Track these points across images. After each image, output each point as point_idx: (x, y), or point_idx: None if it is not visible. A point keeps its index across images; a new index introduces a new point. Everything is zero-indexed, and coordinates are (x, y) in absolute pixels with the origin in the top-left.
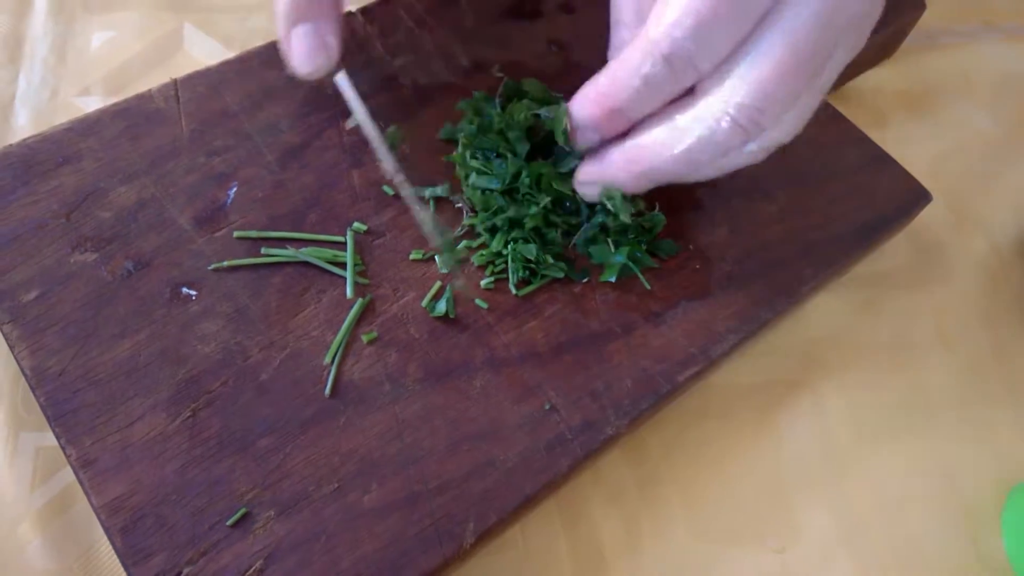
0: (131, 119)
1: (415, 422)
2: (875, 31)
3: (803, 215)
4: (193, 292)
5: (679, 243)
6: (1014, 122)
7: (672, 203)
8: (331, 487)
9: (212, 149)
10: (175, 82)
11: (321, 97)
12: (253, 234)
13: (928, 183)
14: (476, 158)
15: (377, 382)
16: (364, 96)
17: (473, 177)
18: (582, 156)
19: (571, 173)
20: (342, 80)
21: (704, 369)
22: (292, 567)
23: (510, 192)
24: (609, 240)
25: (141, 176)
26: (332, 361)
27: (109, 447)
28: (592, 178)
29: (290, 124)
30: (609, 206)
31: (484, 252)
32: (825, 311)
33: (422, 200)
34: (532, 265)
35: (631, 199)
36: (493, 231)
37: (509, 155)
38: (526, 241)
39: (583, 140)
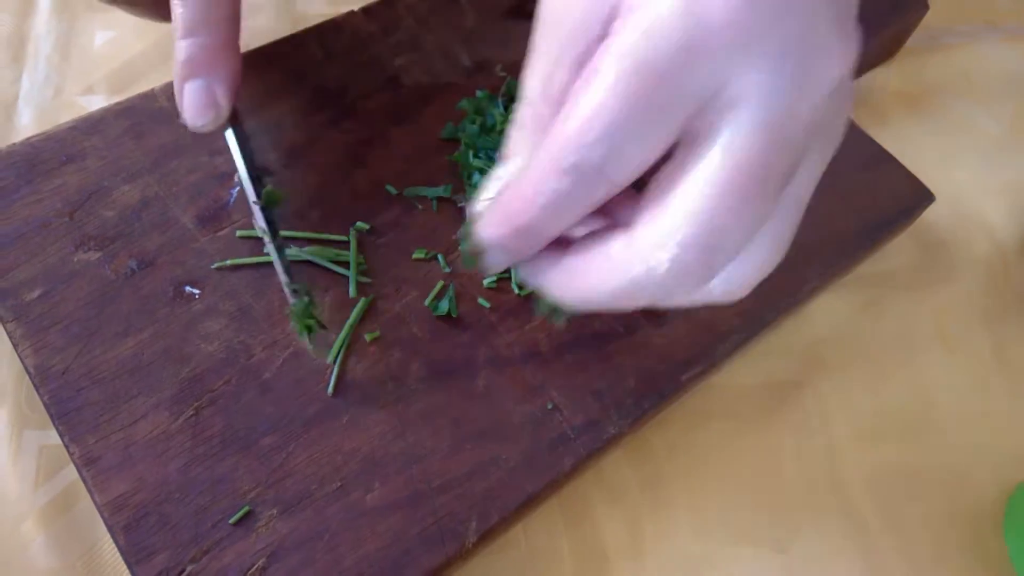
0: (134, 118)
1: (418, 421)
2: (878, 31)
3: (806, 215)
4: (196, 291)
5: None
6: (1016, 122)
7: None
8: (334, 486)
9: (215, 148)
10: None
11: (324, 97)
12: (256, 233)
13: (930, 183)
14: (479, 157)
15: (380, 381)
16: (247, 145)
17: (476, 177)
18: None
19: None
20: (229, 136)
21: (706, 369)
22: (295, 565)
23: None
24: None
25: (144, 175)
26: (335, 360)
27: (112, 445)
28: (526, 282)
29: (293, 123)
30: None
31: None
32: (827, 311)
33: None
34: None
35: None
36: None
37: None
38: None
39: (495, 262)
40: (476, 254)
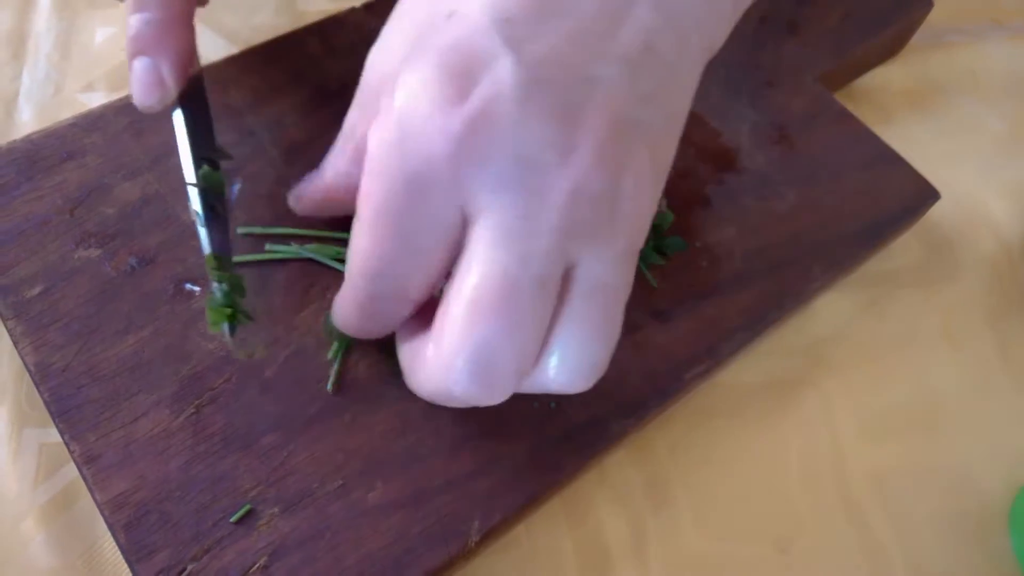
0: (135, 115)
1: (420, 420)
2: (882, 28)
3: (811, 213)
4: (197, 288)
5: (687, 240)
6: (1022, 120)
7: (680, 200)
8: (335, 484)
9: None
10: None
11: (325, 94)
12: (257, 230)
13: (935, 181)
14: None
15: (382, 379)
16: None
17: None
18: None
19: None
20: (176, 117)
21: (711, 368)
22: (296, 564)
23: None
24: None
25: (145, 172)
26: (336, 358)
27: (113, 443)
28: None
29: (294, 120)
30: None
31: None
32: (832, 310)
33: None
34: None
35: None
36: None
37: None
38: None
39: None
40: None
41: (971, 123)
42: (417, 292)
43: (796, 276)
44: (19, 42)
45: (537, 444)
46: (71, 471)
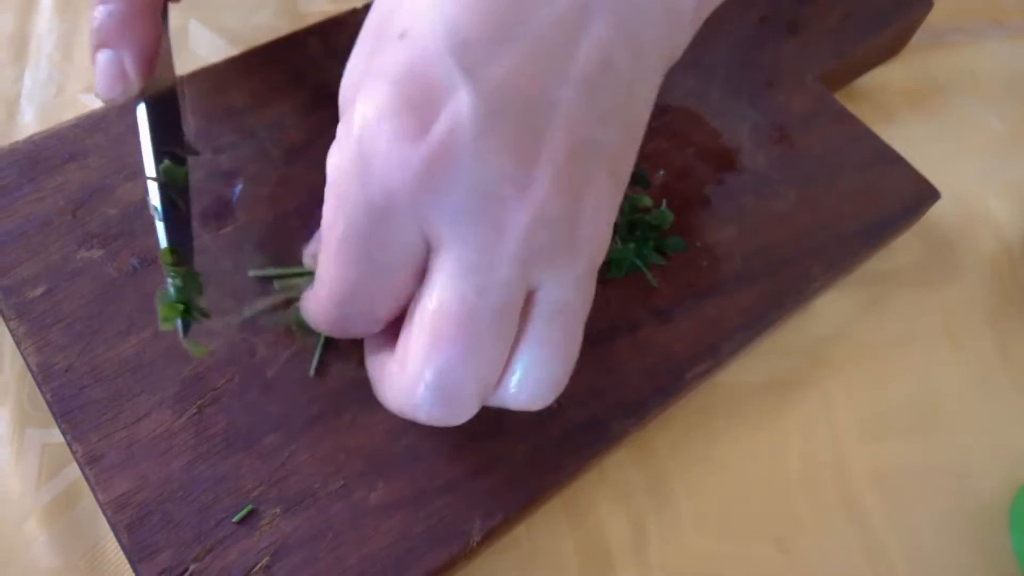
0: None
1: None
2: (882, 28)
3: (811, 213)
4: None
5: (687, 240)
6: (1022, 120)
7: (680, 200)
8: (337, 484)
9: (217, 146)
10: (180, 79)
11: (325, 95)
12: (269, 272)
13: (936, 181)
14: None
15: None
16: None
17: None
18: None
19: None
20: (140, 112)
21: (711, 367)
22: (298, 564)
23: None
24: (616, 237)
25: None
26: (319, 343)
27: (115, 443)
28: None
29: (296, 121)
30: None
31: None
32: (833, 309)
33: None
34: None
35: None
36: None
37: None
38: None
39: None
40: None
41: (971, 123)
42: (385, 313)
43: (796, 276)
44: (21, 43)
45: (538, 444)
46: (73, 471)
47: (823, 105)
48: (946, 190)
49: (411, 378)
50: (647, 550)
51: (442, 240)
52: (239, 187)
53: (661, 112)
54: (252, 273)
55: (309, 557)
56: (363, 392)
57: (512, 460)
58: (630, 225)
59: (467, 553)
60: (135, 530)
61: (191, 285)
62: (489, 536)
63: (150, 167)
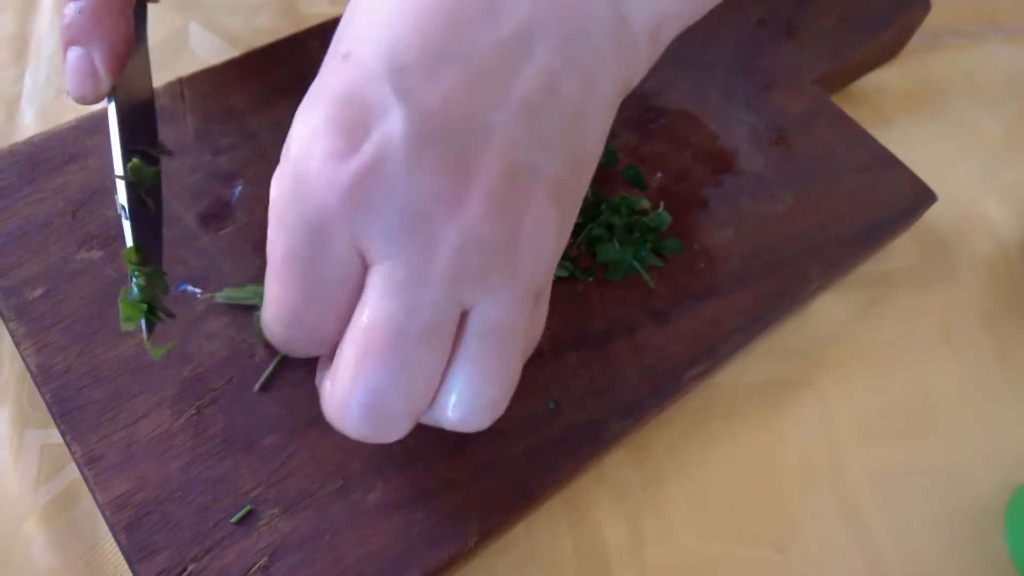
0: None
1: None
2: (880, 31)
3: (809, 215)
4: (198, 290)
5: (684, 242)
6: (1019, 122)
7: (678, 202)
8: (336, 485)
9: (217, 147)
10: (181, 81)
11: None
12: (234, 294)
13: (933, 183)
14: None
15: None
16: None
17: None
18: None
19: None
20: (110, 110)
21: (709, 369)
22: (296, 564)
23: None
24: (614, 239)
25: None
26: (276, 360)
27: (114, 444)
28: None
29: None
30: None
31: None
32: (830, 311)
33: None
34: None
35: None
36: None
37: None
38: None
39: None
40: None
41: (968, 125)
42: (330, 334)
43: (794, 277)
44: (22, 44)
45: (536, 444)
46: (72, 472)
47: (821, 108)
48: (943, 192)
49: (342, 394)
50: (644, 550)
51: (375, 258)
52: (239, 188)
53: (659, 114)
54: (220, 298)
55: (307, 558)
56: None
57: (510, 460)
58: (628, 227)
59: (465, 553)
60: (134, 530)
61: (156, 285)
62: (487, 536)
63: (118, 165)
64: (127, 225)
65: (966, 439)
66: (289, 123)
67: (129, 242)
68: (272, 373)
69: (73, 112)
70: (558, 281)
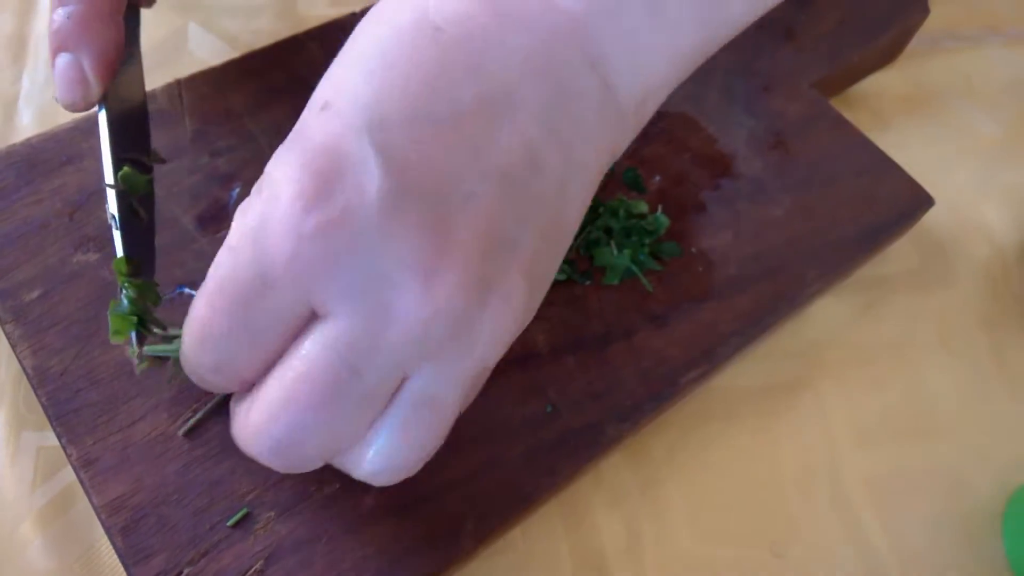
0: None
1: None
2: (878, 34)
3: (806, 219)
4: (195, 292)
5: (682, 246)
6: (1017, 126)
7: (676, 205)
8: (333, 488)
9: (216, 149)
10: (179, 82)
11: None
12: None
13: (931, 187)
14: None
15: None
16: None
17: None
18: None
19: None
20: (101, 117)
21: (706, 372)
22: (293, 567)
23: None
24: (612, 242)
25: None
26: (205, 407)
27: (110, 447)
28: None
29: (293, 124)
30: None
31: None
32: (827, 314)
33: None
34: None
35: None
36: None
37: None
38: None
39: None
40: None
41: (966, 129)
42: (246, 372)
43: (791, 281)
44: (19, 45)
45: (533, 448)
46: (68, 474)
47: (819, 111)
48: (941, 196)
49: (258, 425)
50: (642, 553)
51: (324, 310)
52: (237, 190)
53: (658, 117)
54: (148, 350)
55: (304, 561)
56: None
57: (507, 463)
58: (626, 230)
59: (462, 557)
60: (129, 534)
61: (147, 297)
62: (484, 539)
63: (109, 174)
64: (117, 236)
65: (964, 442)
66: (289, 125)
67: (119, 253)
68: (201, 419)
69: (70, 114)
70: (556, 284)
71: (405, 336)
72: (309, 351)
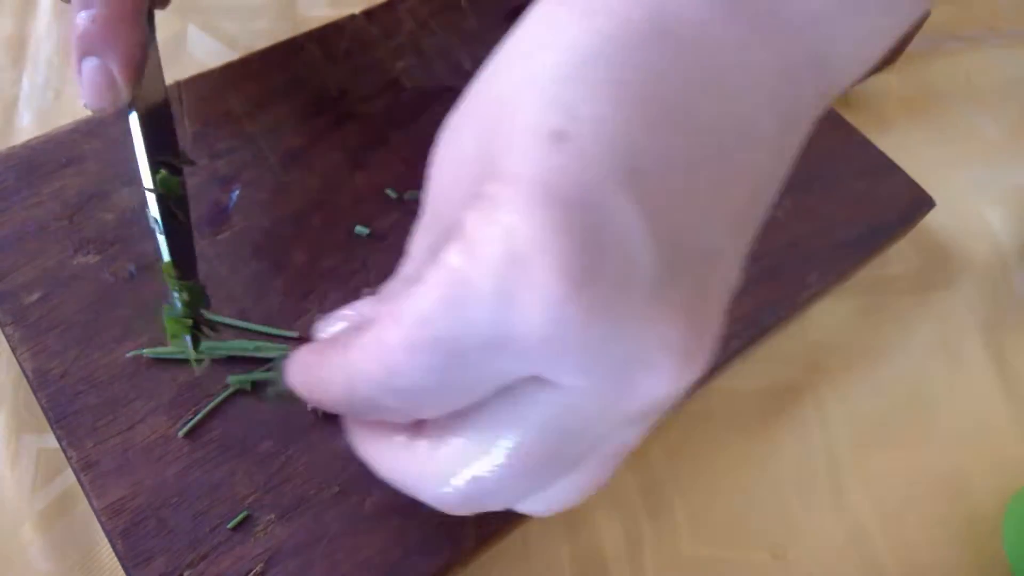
0: None
1: None
2: None
3: (806, 221)
4: None
5: None
6: (1018, 127)
7: None
8: (332, 491)
9: (215, 151)
10: (178, 84)
11: (324, 100)
12: (216, 318)
13: (931, 188)
14: None
15: None
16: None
17: None
18: None
19: None
20: (132, 120)
21: (706, 373)
22: (293, 570)
23: None
24: None
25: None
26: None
27: (110, 450)
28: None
29: (293, 126)
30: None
31: None
32: (828, 316)
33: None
34: None
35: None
36: None
37: None
38: None
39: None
40: (284, 395)
41: (968, 130)
42: (428, 415)
43: (792, 283)
44: (19, 47)
45: None
46: (69, 477)
47: None
48: (942, 197)
49: (440, 471)
50: (642, 556)
51: (559, 380)
52: (236, 192)
53: None
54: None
55: (304, 564)
56: None
57: None
58: None
59: (462, 560)
60: (129, 536)
61: (196, 299)
62: (484, 543)
63: (147, 178)
64: (162, 240)
65: (964, 445)
66: (288, 126)
67: (166, 256)
68: (201, 420)
69: (70, 115)
70: None
71: (638, 409)
72: (527, 418)
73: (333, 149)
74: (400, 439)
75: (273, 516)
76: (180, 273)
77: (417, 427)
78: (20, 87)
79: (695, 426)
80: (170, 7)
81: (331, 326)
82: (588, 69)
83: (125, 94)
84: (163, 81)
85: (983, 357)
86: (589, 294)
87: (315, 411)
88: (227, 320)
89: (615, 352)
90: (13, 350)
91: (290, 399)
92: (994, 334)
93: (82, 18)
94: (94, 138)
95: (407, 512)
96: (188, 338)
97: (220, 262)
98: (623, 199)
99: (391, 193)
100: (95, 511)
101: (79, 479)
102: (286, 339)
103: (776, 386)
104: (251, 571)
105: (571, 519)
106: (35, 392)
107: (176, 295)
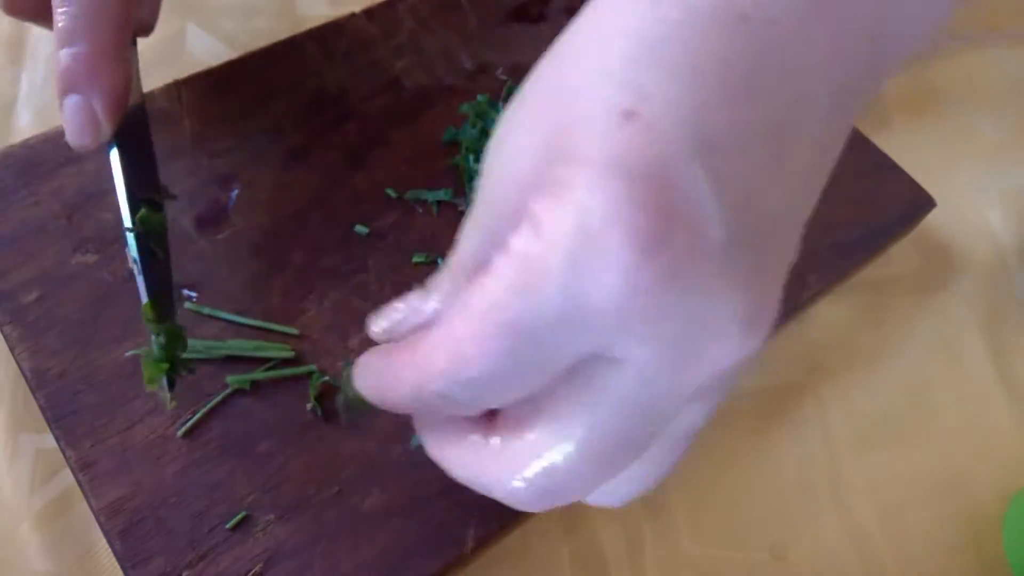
0: None
1: None
2: None
3: (807, 220)
4: (194, 294)
5: None
6: (1019, 127)
7: None
8: (332, 491)
9: (215, 150)
10: (178, 83)
11: (324, 99)
12: (206, 311)
13: (932, 188)
14: (479, 162)
15: None
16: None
17: (476, 181)
18: None
19: None
20: (113, 157)
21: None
22: (292, 570)
23: None
24: None
25: None
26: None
27: (109, 449)
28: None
29: (292, 125)
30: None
31: None
32: (829, 316)
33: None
34: None
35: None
36: None
37: None
38: None
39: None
40: (355, 406)
41: (968, 130)
42: (495, 405)
43: (792, 283)
44: (18, 46)
45: None
46: (67, 477)
47: None
48: (943, 197)
49: (514, 465)
50: (643, 556)
51: (627, 354)
52: (236, 191)
53: None
54: (189, 306)
55: (303, 564)
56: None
57: None
58: None
59: (461, 561)
60: (128, 536)
61: (174, 341)
62: (483, 544)
63: (127, 217)
64: (141, 281)
65: (964, 445)
66: (287, 125)
67: (144, 298)
68: (199, 420)
69: None
70: None
71: (705, 381)
72: (598, 400)
73: (333, 148)
74: (474, 438)
75: (272, 516)
76: (158, 315)
77: (490, 425)
78: (19, 86)
79: None
80: (170, 6)
81: (384, 320)
82: (655, 53)
83: (107, 131)
84: (145, 113)
85: (983, 357)
86: (661, 261)
87: (315, 411)
88: (227, 316)
89: (685, 319)
90: (11, 349)
91: (361, 405)
92: (994, 334)
93: (64, 55)
94: None
95: (407, 512)
96: (165, 380)
97: (219, 262)
98: (695, 170)
99: (391, 192)
100: (93, 511)
101: (77, 479)
102: (286, 336)
103: (777, 386)
104: (250, 571)
105: (571, 519)
106: (33, 391)
107: (154, 339)
